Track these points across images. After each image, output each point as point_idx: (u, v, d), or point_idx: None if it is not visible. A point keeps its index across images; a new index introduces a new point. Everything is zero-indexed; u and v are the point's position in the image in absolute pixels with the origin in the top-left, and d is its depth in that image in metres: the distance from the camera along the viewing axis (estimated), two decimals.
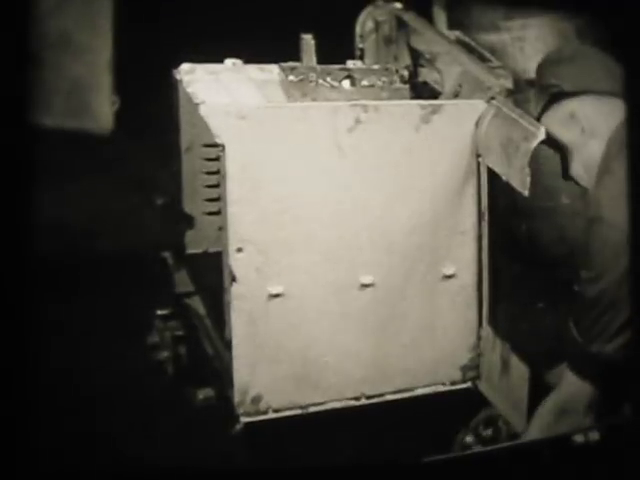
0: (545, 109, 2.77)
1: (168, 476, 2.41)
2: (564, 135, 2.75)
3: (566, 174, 2.80)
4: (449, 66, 2.98)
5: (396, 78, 2.93)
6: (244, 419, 2.66)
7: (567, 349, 2.62)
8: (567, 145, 2.75)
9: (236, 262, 2.60)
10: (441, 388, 2.84)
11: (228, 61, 3.13)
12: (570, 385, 2.60)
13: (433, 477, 2.29)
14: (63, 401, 2.95)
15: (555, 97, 2.77)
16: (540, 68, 2.91)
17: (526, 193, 2.55)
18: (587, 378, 2.57)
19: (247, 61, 3.14)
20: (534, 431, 2.62)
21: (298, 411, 2.72)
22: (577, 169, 2.77)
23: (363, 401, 2.77)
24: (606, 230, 2.50)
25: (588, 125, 2.72)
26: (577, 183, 2.79)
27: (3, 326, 1.80)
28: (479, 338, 2.85)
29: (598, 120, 2.73)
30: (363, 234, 2.70)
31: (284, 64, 2.90)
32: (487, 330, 2.83)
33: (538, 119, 2.73)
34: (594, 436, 2.30)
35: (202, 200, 3.21)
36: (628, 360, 2.43)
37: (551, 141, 2.72)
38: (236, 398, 2.65)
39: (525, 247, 4.09)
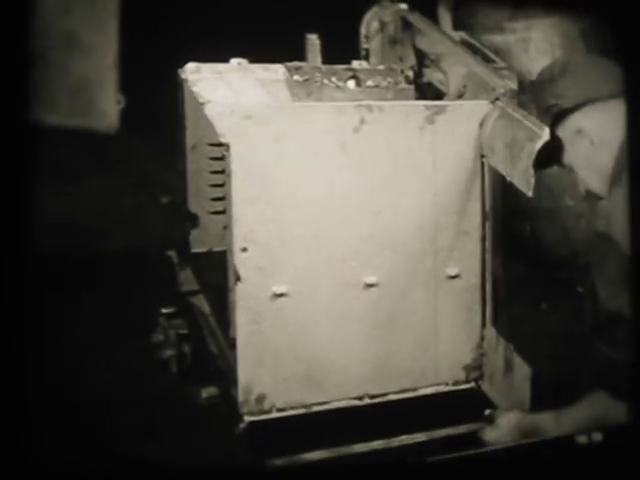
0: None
1: (171, 476, 2.42)
2: (573, 151, 2.75)
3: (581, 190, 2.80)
4: (454, 67, 2.98)
5: (401, 79, 2.93)
6: (248, 418, 2.67)
7: (602, 372, 2.54)
8: (577, 159, 2.74)
9: (241, 261, 2.60)
10: (444, 388, 2.85)
11: (233, 60, 3.14)
12: (603, 406, 2.56)
13: (436, 477, 2.30)
14: (66, 399, 2.96)
15: (558, 116, 2.76)
16: (536, 89, 2.88)
17: (530, 194, 2.55)
18: (624, 396, 2.49)
19: (252, 61, 3.14)
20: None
21: (302, 410, 2.72)
22: (592, 181, 2.76)
23: (367, 401, 2.77)
24: (619, 247, 2.47)
25: (597, 136, 2.71)
26: (597, 196, 2.76)
27: (8, 324, 1.80)
28: (482, 338, 2.85)
29: (607, 128, 2.72)
30: (367, 234, 2.70)
31: (289, 64, 2.91)
32: (490, 330, 2.83)
33: None
34: (597, 437, 2.30)
35: (207, 199, 3.21)
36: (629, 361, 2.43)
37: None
38: (240, 397, 2.65)
39: (529, 248, 4.10)
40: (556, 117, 2.77)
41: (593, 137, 2.71)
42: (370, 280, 2.71)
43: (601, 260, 2.53)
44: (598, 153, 2.72)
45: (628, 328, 2.46)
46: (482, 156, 2.76)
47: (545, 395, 2.68)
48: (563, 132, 2.76)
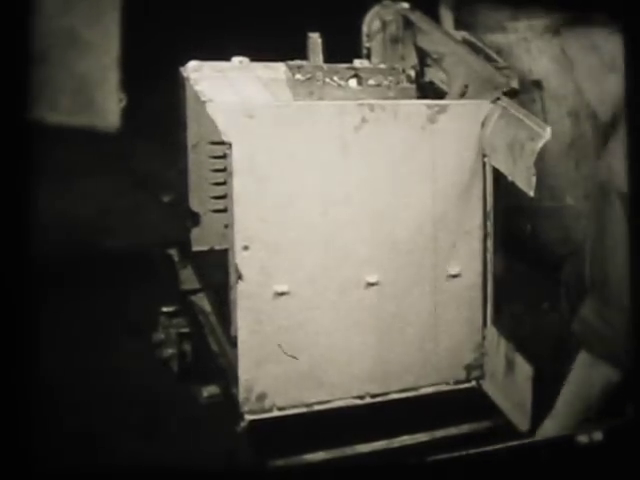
0: None
1: (171, 475, 2.42)
2: None
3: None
4: (455, 66, 2.98)
5: (403, 77, 2.94)
6: (249, 417, 2.67)
7: (581, 331, 2.61)
8: None
9: (242, 260, 2.60)
10: (445, 387, 2.85)
11: (235, 59, 3.14)
12: (584, 367, 2.60)
13: (436, 476, 2.30)
14: (66, 398, 2.96)
15: None
16: None
17: (531, 193, 2.56)
18: (602, 356, 2.57)
19: (254, 59, 3.14)
20: (550, 425, 2.64)
21: (303, 409, 2.72)
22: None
23: (368, 400, 2.77)
24: (619, 200, 2.50)
25: None
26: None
27: (9, 323, 1.80)
28: (483, 338, 2.85)
29: None
30: (369, 233, 2.70)
31: (291, 62, 2.91)
32: (491, 330, 2.83)
33: None
34: (598, 436, 2.31)
35: (208, 197, 3.22)
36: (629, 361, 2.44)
37: None
38: (241, 396, 2.66)
39: (530, 247, 4.10)
40: None
41: None
42: (371, 279, 2.72)
43: (601, 220, 2.57)
44: None
45: (617, 292, 2.51)
46: (483, 155, 2.76)
47: (546, 394, 2.68)
48: None
